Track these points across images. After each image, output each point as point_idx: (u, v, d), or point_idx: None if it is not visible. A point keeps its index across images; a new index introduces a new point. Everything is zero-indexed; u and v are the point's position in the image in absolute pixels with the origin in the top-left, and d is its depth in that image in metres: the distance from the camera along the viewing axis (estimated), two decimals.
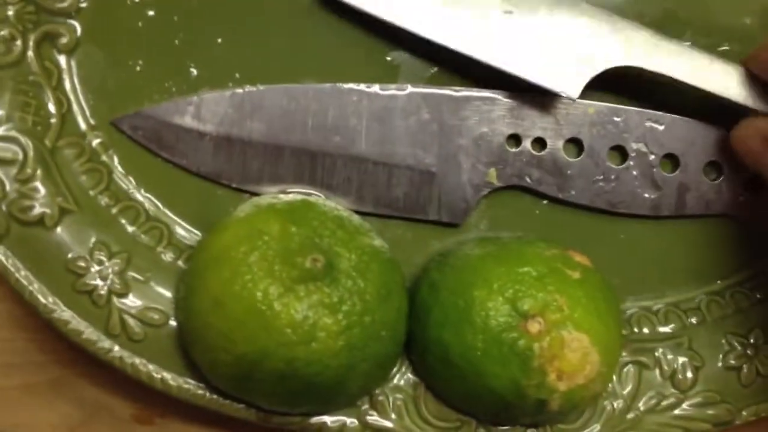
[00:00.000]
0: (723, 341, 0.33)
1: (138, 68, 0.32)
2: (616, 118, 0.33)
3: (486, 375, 0.29)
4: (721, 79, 0.32)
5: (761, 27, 0.34)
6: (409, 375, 0.32)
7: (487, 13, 0.32)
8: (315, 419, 0.31)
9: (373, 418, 0.31)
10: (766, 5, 0.34)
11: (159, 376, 0.30)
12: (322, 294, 0.28)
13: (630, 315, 0.33)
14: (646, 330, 0.33)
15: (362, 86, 0.32)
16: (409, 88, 0.32)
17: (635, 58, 0.32)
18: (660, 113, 0.33)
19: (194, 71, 0.32)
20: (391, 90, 0.32)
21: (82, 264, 0.30)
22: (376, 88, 0.32)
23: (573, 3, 0.32)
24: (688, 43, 0.34)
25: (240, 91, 0.32)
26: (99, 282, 0.30)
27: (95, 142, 0.32)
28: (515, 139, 0.33)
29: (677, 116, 0.33)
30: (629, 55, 0.32)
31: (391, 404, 0.32)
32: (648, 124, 0.33)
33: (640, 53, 0.32)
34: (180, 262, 0.32)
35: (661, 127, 0.33)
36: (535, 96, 0.32)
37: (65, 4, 0.31)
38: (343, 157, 0.32)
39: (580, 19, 0.32)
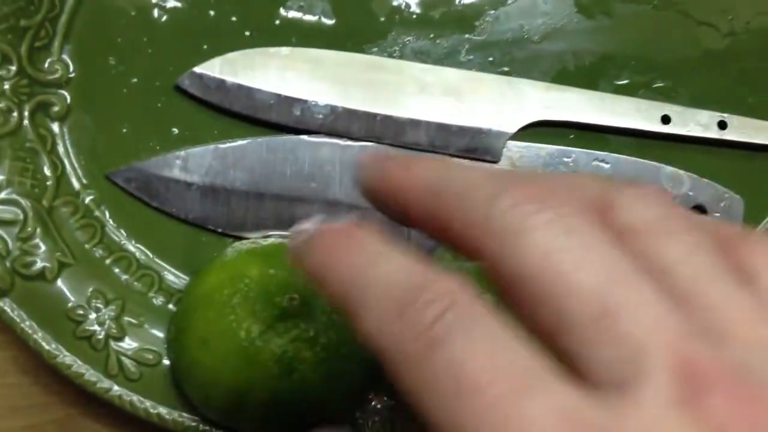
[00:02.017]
0: None
1: (125, 130, 0.35)
2: (566, 159, 0.36)
3: None
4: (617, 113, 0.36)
5: (693, 62, 0.38)
6: (386, 398, 0.34)
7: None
8: None
9: None
10: (696, 43, 0.38)
11: (155, 411, 0.33)
12: (299, 330, 0.30)
13: None
14: None
15: (335, 139, 0.35)
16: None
17: (541, 113, 0.35)
18: (606, 153, 0.36)
19: (176, 130, 0.35)
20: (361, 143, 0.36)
21: (81, 312, 0.33)
22: (348, 141, 0.35)
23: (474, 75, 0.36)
24: (625, 81, 0.37)
25: (223, 145, 0.35)
26: (97, 328, 0.33)
27: (88, 199, 0.35)
28: None
29: (621, 156, 0.36)
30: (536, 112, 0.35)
31: (369, 426, 0.34)
32: (595, 163, 0.36)
33: (541, 107, 0.35)
34: (170, 305, 0.34)
35: (607, 166, 0.36)
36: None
37: (56, 76, 0.34)
38: (319, 202, 0.35)
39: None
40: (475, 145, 0.35)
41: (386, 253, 0.19)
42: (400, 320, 0.17)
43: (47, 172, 0.34)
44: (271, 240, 0.34)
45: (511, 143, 0.36)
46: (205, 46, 0.35)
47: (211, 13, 0.36)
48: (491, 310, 0.17)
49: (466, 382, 0.16)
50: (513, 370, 0.16)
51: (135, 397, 0.33)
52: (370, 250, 0.19)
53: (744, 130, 0.37)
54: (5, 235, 0.33)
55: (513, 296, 0.18)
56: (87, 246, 0.34)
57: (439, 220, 0.20)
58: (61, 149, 0.34)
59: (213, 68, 0.35)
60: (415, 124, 0.35)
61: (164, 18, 0.35)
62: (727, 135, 0.37)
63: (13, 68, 0.33)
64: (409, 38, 0.37)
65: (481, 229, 0.18)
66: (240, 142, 0.35)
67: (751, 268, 0.18)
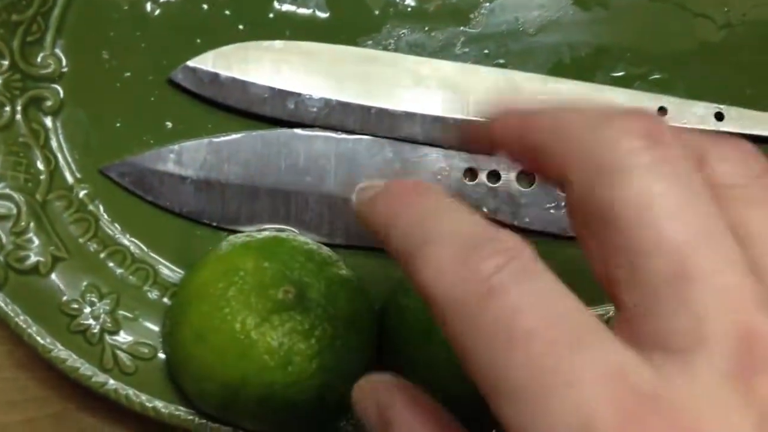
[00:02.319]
0: None
1: (118, 124, 0.35)
2: None
3: (450, 386, 0.32)
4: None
5: (689, 54, 0.37)
6: None
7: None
8: None
9: None
10: (693, 34, 0.38)
11: (151, 405, 0.33)
12: (294, 322, 0.30)
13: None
14: None
15: (330, 133, 0.35)
16: None
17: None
18: None
19: (169, 124, 0.35)
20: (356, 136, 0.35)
21: (76, 306, 0.33)
22: (342, 134, 0.35)
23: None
24: (621, 73, 0.37)
25: (217, 138, 0.35)
26: (92, 322, 0.33)
27: (82, 193, 0.35)
28: (471, 172, 0.36)
29: None
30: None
31: None
32: None
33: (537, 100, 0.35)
34: (165, 299, 0.34)
35: None
36: None
37: (49, 71, 0.34)
38: (314, 195, 0.35)
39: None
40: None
41: (452, 205, 0.19)
42: (461, 267, 0.17)
43: (40, 166, 0.34)
44: (265, 233, 0.34)
45: None
46: (198, 40, 0.35)
47: (205, 6, 0.35)
48: (549, 270, 0.17)
49: (518, 330, 0.16)
50: (567, 322, 0.16)
51: (131, 391, 0.33)
52: (437, 201, 0.19)
53: (741, 121, 0.36)
54: None
55: (591, 231, 0.17)
56: (81, 240, 0.34)
57: (531, 141, 0.19)
58: (54, 143, 0.34)
59: (206, 62, 0.35)
60: (410, 116, 0.35)
61: (157, 12, 0.35)
62: (725, 126, 0.36)
63: (6, 63, 0.33)
64: (403, 31, 0.36)
65: (578, 154, 0.18)
66: (234, 136, 0.35)
67: None
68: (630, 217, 0.16)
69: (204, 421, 0.33)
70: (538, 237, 0.36)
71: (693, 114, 0.36)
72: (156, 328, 0.34)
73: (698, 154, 0.18)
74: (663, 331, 0.16)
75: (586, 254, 0.18)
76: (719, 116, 0.36)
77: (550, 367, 0.15)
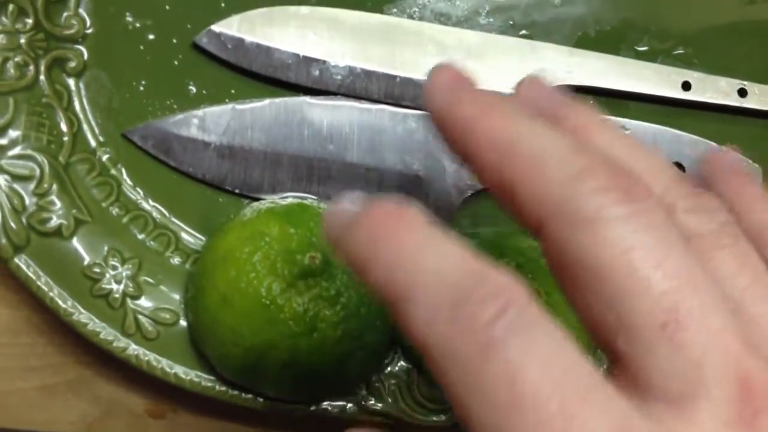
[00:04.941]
0: None
1: (141, 88, 0.35)
2: None
3: None
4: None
5: (713, 30, 0.37)
6: (402, 362, 0.34)
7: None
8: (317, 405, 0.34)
9: (370, 402, 0.34)
10: (718, 10, 0.37)
11: (172, 371, 0.33)
12: (320, 288, 0.30)
13: None
14: None
15: (353, 102, 0.35)
16: None
17: (562, 78, 0.35)
18: (626, 120, 0.36)
19: (193, 89, 0.35)
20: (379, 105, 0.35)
21: (98, 270, 0.33)
22: (366, 103, 0.35)
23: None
24: (645, 48, 0.37)
25: (240, 105, 0.35)
26: (114, 286, 0.33)
27: (105, 157, 0.34)
28: None
29: (641, 122, 0.36)
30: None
31: (386, 389, 0.34)
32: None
33: (563, 72, 0.35)
34: (187, 266, 0.34)
35: (627, 132, 0.36)
36: None
37: (72, 31, 0.34)
38: (337, 164, 0.35)
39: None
40: None
41: (436, 240, 0.17)
42: (453, 315, 0.16)
43: (63, 128, 0.34)
44: (289, 200, 0.34)
45: None
46: (223, 4, 0.35)
47: None
48: (545, 312, 0.16)
49: (522, 393, 0.15)
50: (571, 378, 0.15)
51: (152, 356, 0.32)
52: (419, 235, 0.17)
53: (764, 97, 0.36)
54: (21, 191, 0.32)
55: (572, 285, 0.17)
56: (103, 204, 0.34)
57: (506, 183, 0.18)
58: (77, 105, 0.34)
59: (231, 26, 0.34)
60: None
61: None
62: (747, 103, 0.36)
63: (30, 21, 0.33)
64: None
65: (553, 207, 0.17)
66: (258, 103, 0.35)
67: None
68: (613, 266, 0.16)
69: (225, 388, 0.33)
70: None
71: (716, 89, 0.36)
72: (177, 295, 0.34)
73: (667, 201, 0.18)
74: (659, 377, 0.16)
75: (568, 299, 0.18)
76: (742, 92, 0.36)
77: (560, 431, 0.15)
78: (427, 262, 0.17)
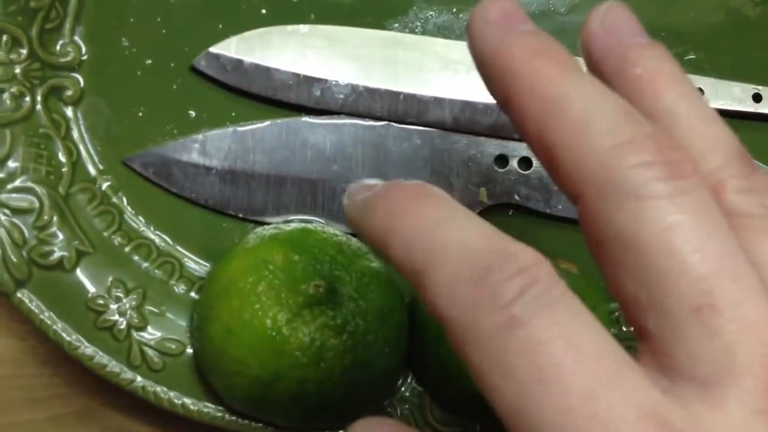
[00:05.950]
0: None
1: (140, 114, 0.34)
2: None
3: None
4: None
5: (725, 34, 0.36)
6: (414, 385, 0.34)
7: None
8: None
9: None
10: (729, 13, 0.36)
11: (180, 402, 0.32)
12: (326, 317, 0.30)
13: (618, 315, 0.35)
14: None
15: (357, 120, 0.34)
16: None
17: None
18: None
19: (193, 113, 0.34)
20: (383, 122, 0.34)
21: (101, 302, 0.32)
22: (370, 121, 0.34)
23: None
24: None
25: (242, 127, 0.34)
26: (118, 318, 0.32)
27: (105, 185, 0.34)
28: (502, 159, 0.35)
29: None
30: None
31: (398, 414, 0.33)
32: None
33: None
34: (192, 293, 0.33)
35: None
36: None
37: (68, 59, 0.33)
38: (341, 184, 0.34)
39: None
40: (501, 123, 0.34)
41: (459, 214, 0.17)
42: (476, 289, 0.16)
43: (62, 158, 0.33)
44: (293, 225, 0.33)
45: None
46: (220, 25, 0.34)
47: None
48: (570, 290, 0.16)
49: (545, 367, 0.15)
50: (595, 357, 0.15)
51: (159, 388, 0.32)
52: (441, 210, 0.17)
53: None
54: (21, 225, 0.32)
55: (607, 259, 0.17)
56: (105, 234, 0.33)
57: (547, 143, 0.17)
58: (75, 134, 0.33)
59: (229, 48, 0.34)
60: (439, 102, 0.34)
61: None
62: (763, 108, 0.35)
63: (24, 51, 0.32)
64: (431, 13, 0.35)
65: (593, 178, 0.17)
66: (259, 125, 0.34)
67: None
68: (652, 245, 0.16)
69: (233, 417, 0.33)
70: (570, 225, 0.35)
71: (730, 95, 0.35)
72: (183, 323, 0.33)
73: (713, 184, 0.18)
74: (690, 361, 0.16)
75: (601, 272, 0.17)
76: (757, 97, 0.35)
77: (589, 413, 0.15)
78: (451, 236, 0.17)
